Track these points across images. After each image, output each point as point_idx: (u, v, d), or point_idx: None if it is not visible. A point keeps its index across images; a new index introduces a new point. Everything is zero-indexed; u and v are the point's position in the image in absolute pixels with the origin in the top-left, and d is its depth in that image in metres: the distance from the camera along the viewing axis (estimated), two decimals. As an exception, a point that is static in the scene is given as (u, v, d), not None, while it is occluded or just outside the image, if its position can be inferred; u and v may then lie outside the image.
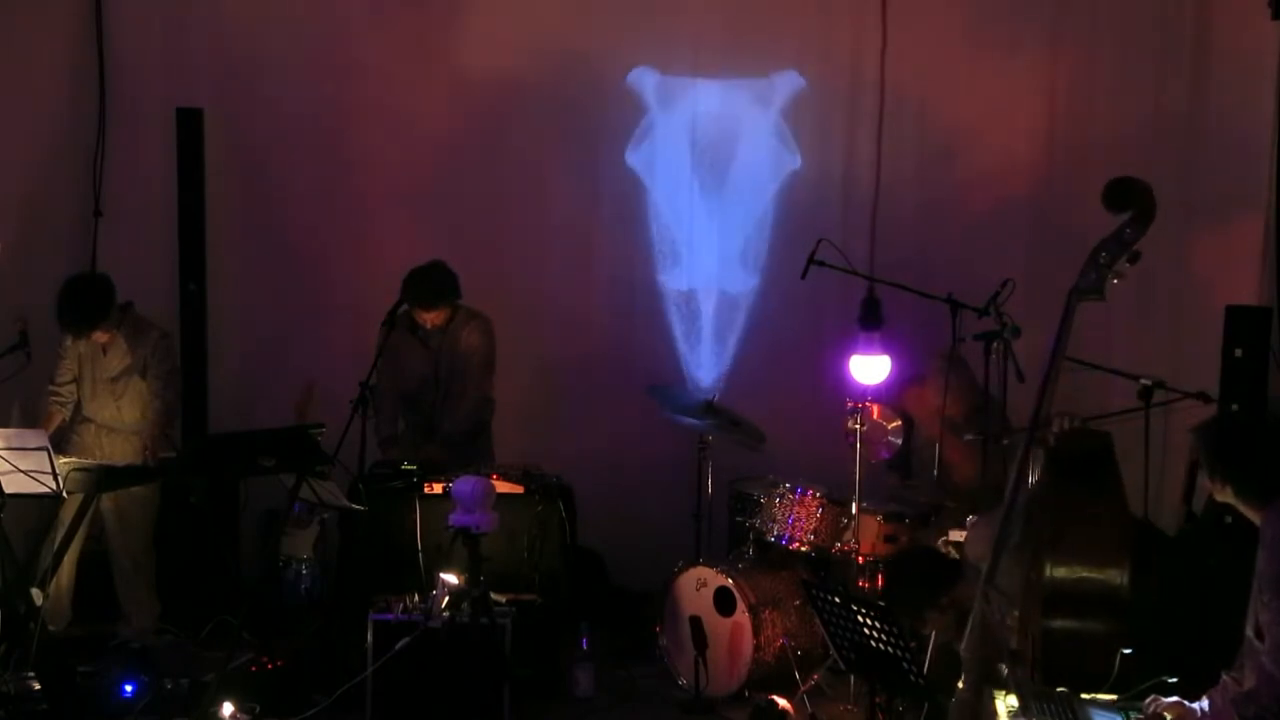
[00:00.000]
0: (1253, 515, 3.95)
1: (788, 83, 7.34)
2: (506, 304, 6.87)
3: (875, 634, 4.42)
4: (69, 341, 6.25)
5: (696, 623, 5.94)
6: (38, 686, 5.36)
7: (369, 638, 5.43)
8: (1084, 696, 4.08)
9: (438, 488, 5.94)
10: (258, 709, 5.37)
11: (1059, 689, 4.05)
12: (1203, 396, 5.71)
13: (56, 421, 6.23)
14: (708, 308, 7.49)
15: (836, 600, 4.58)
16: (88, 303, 6.10)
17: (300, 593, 6.60)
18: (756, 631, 5.81)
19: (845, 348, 6.26)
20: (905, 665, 4.37)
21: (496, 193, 7.37)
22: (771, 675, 5.86)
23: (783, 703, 5.57)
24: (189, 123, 6.96)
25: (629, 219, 7.47)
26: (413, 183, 7.41)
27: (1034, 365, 5.21)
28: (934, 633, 4.89)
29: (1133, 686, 4.15)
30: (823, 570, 6.16)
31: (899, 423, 6.20)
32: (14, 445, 5.50)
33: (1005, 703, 4.00)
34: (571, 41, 7.30)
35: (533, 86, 7.33)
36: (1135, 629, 4.15)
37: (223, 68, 7.29)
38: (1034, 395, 4.06)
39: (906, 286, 6.12)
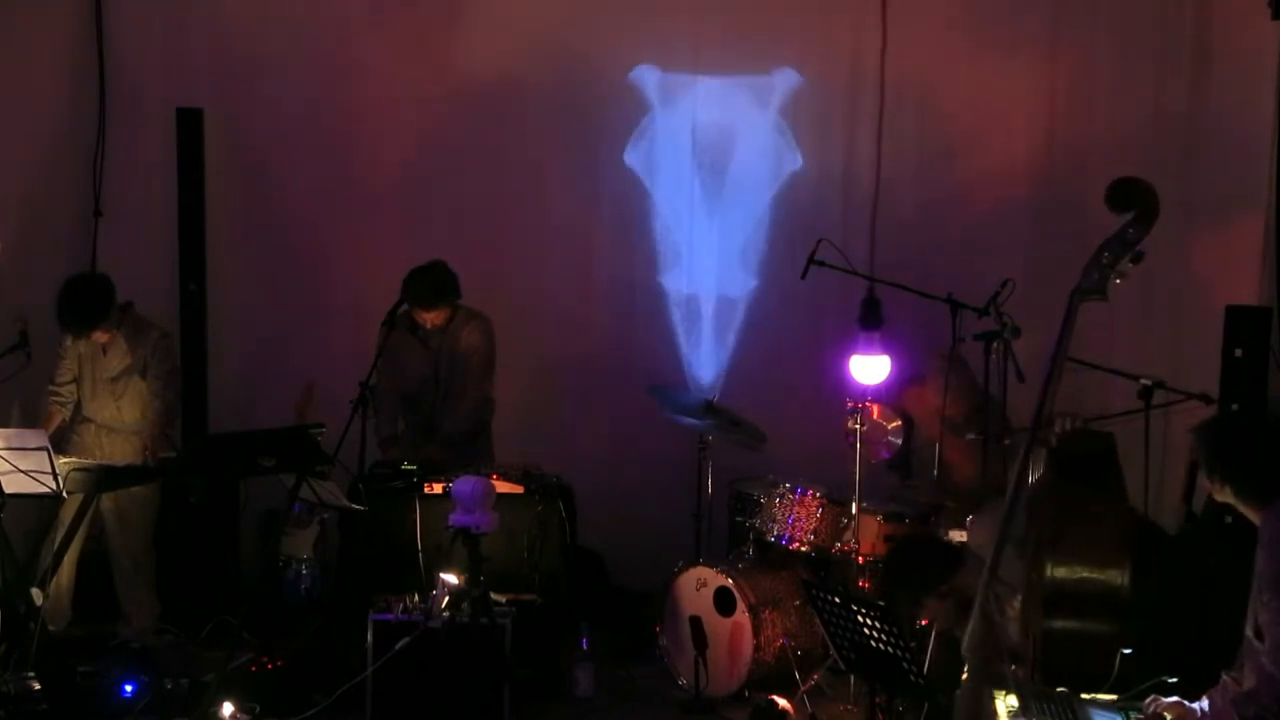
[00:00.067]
0: (1252, 515, 3.95)
1: (788, 82, 7.34)
2: (506, 304, 6.87)
3: (875, 634, 4.42)
4: (69, 341, 6.25)
5: (696, 623, 5.94)
6: (38, 686, 5.36)
7: (369, 638, 5.43)
8: (1084, 696, 4.08)
9: (438, 488, 5.94)
10: (258, 709, 5.37)
11: (1059, 689, 4.05)
12: (1204, 398, 5.70)
13: (56, 421, 6.23)
14: (708, 308, 7.49)
15: (836, 600, 4.59)
16: (88, 303, 6.10)
17: (300, 593, 6.60)
18: (756, 631, 5.81)
19: (845, 348, 6.26)
20: (905, 665, 4.37)
21: (496, 193, 7.37)
22: (771, 675, 5.86)
23: (783, 703, 5.57)
24: (189, 123, 6.96)
25: (629, 219, 7.47)
26: (413, 183, 7.41)
27: (1034, 365, 5.22)
28: (935, 632, 4.88)
29: (1133, 686, 4.15)
30: (823, 570, 6.16)
31: (899, 423, 6.21)
32: (14, 445, 5.50)
33: (1005, 703, 4.00)
34: (571, 41, 7.30)
35: (533, 86, 7.34)
36: (1135, 629, 4.15)
37: (223, 68, 7.30)
38: (1036, 395, 4.06)
39: (906, 286, 6.12)
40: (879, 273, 6.67)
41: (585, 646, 5.97)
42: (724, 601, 5.94)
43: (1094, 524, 4.20)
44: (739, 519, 6.41)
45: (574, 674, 5.95)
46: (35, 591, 5.67)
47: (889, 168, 7.21)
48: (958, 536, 5.47)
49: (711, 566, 6.04)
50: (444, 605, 5.28)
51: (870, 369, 6.12)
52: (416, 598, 5.50)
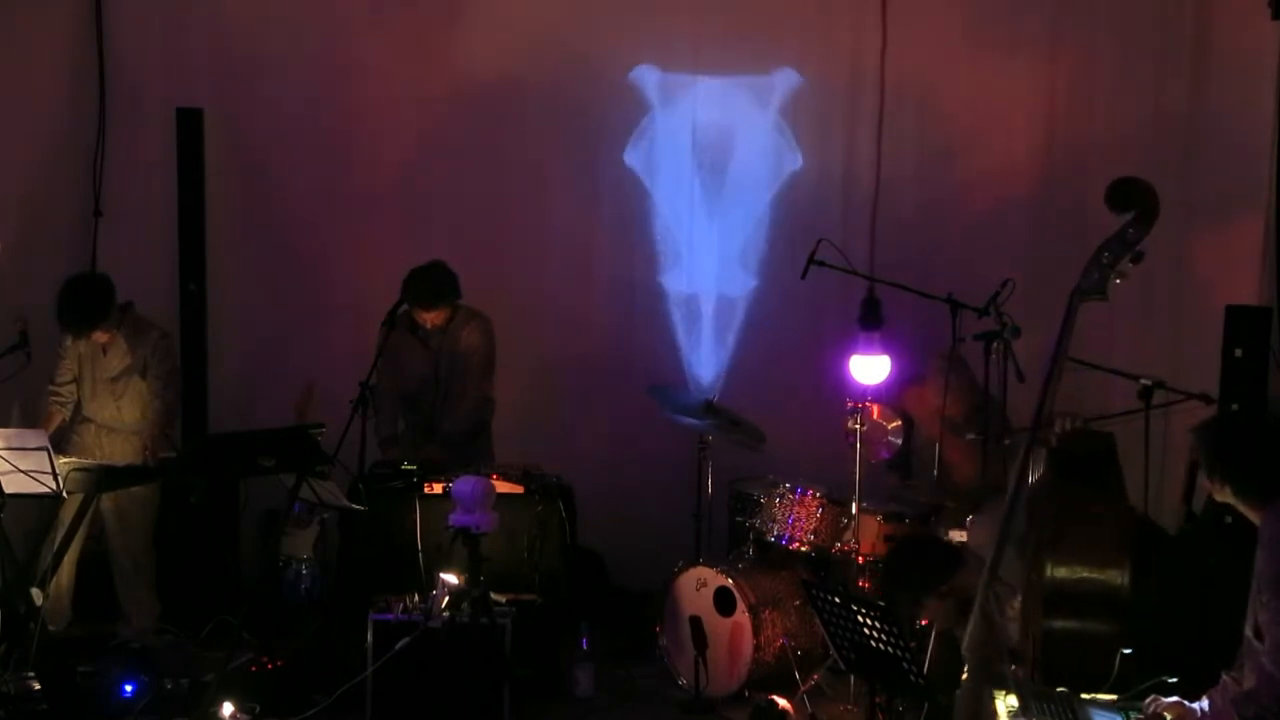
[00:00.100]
0: (1252, 515, 3.95)
1: (788, 82, 7.34)
2: (506, 304, 6.87)
3: (875, 634, 4.42)
4: (69, 341, 6.25)
5: (696, 623, 5.94)
6: (38, 686, 5.36)
7: (369, 638, 5.43)
8: (1084, 696, 4.08)
9: (438, 488, 5.94)
10: (258, 709, 5.37)
11: (1059, 689, 4.05)
12: (1205, 398, 5.71)
13: (56, 421, 6.23)
14: (708, 308, 7.49)
15: (836, 600, 4.58)
16: (88, 303, 6.10)
17: (300, 593, 6.60)
18: (756, 631, 5.81)
19: (845, 348, 6.26)
20: (905, 665, 4.37)
21: (496, 193, 7.37)
22: (771, 675, 5.86)
23: (783, 703, 5.57)
24: (189, 123, 6.96)
25: (629, 219, 7.47)
26: (413, 183, 7.41)
27: (1034, 365, 5.22)
28: (935, 632, 4.88)
29: (1133, 686, 4.15)
30: (823, 570, 6.16)
31: (899, 423, 6.21)
32: (14, 445, 5.50)
33: (1005, 703, 4.00)
34: (571, 41, 7.30)
35: (533, 86, 7.33)
36: (1135, 629, 4.15)
37: (223, 68, 7.29)
38: (1036, 395, 4.06)
39: (906, 286, 6.12)
40: (879, 273, 6.67)
41: (585, 646, 5.97)
42: (724, 601, 5.94)
43: (1094, 524, 4.20)
44: (739, 519, 6.41)
45: (574, 674, 5.95)
46: (35, 591, 5.67)
47: (889, 168, 7.21)
48: (958, 536, 5.47)
49: (711, 566, 6.04)
50: (444, 605, 5.28)
51: (870, 369, 6.12)
52: (416, 598, 5.50)
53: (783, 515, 6.08)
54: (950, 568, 4.66)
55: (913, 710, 4.99)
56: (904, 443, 6.25)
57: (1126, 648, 4.10)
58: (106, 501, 6.10)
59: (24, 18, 7.09)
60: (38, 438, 5.57)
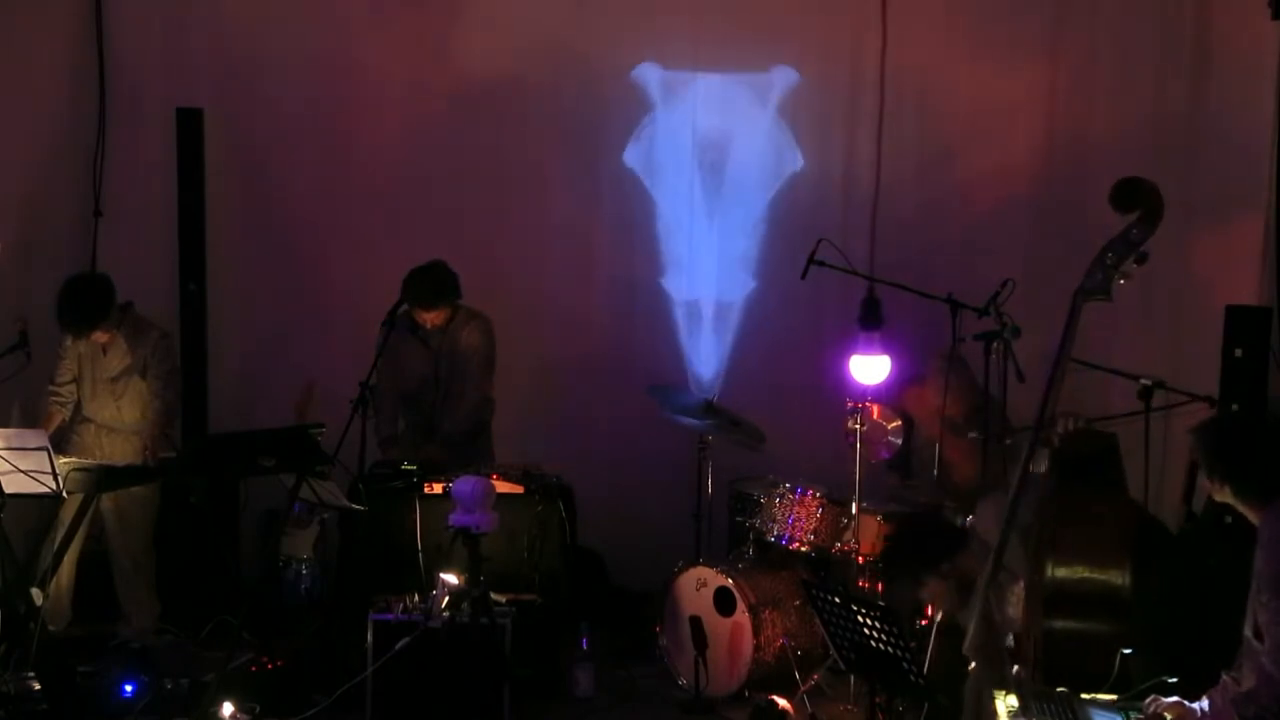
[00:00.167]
0: (1251, 515, 3.95)
1: (788, 82, 7.33)
2: (506, 304, 6.87)
3: (875, 634, 4.42)
4: (69, 341, 6.25)
5: (696, 623, 5.94)
6: (38, 686, 5.36)
7: (369, 638, 5.44)
8: (1084, 696, 4.08)
9: (438, 488, 5.94)
10: (258, 709, 5.37)
11: (1059, 689, 4.05)
12: (1208, 400, 5.71)
13: (56, 421, 6.23)
14: (708, 308, 7.49)
15: (836, 600, 4.58)
16: (88, 303, 6.10)
17: (300, 593, 6.60)
18: (756, 631, 5.82)
19: (845, 348, 6.26)
20: (905, 665, 4.37)
21: (496, 193, 7.36)
22: (771, 675, 5.86)
23: (783, 703, 5.57)
24: (189, 123, 6.96)
25: (629, 219, 7.47)
26: (413, 183, 7.40)
27: (1034, 365, 5.22)
28: (935, 632, 4.88)
29: (1133, 686, 4.15)
30: (823, 570, 6.16)
31: (899, 423, 6.20)
32: (14, 445, 5.50)
33: (1005, 703, 4.00)
34: (571, 41, 7.29)
35: (533, 86, 7.33)
36: (1135, 629, 4.15)
37: (223, 68, 7.29)
38: (1037, 395, 4.06)
39: (906, 286, 6.11)
40: (879, 273, 6.67)
41: (585, 646, 5.97)
42: (724, 601, 5.94)
43: (1095, 524, 4.20)
44: (739, 519, 6.41)
45: (574, 674, 5.95)
46: (35, 591, 5.67)
47: (889, 168, 7.21)
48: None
49: (711, 566, 6.04)
50: (444, 605, 5.28)
51: (870, 369, 6.12)
52: (416, 598, 5.50)
53: (783, 515, 6.08)
54: (953, 546, 4.62)
55: (913, 710, 5.00)
56: (904, 443, 6.24)
57: (1126, 648, 4.10)
58: (106, 501, 6.10)
59: (24, 18, 7.09)
60: (38, 438, 5.57)
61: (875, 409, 6.15)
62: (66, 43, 7.25)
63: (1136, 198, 3.96)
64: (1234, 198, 6.73)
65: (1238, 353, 5.84)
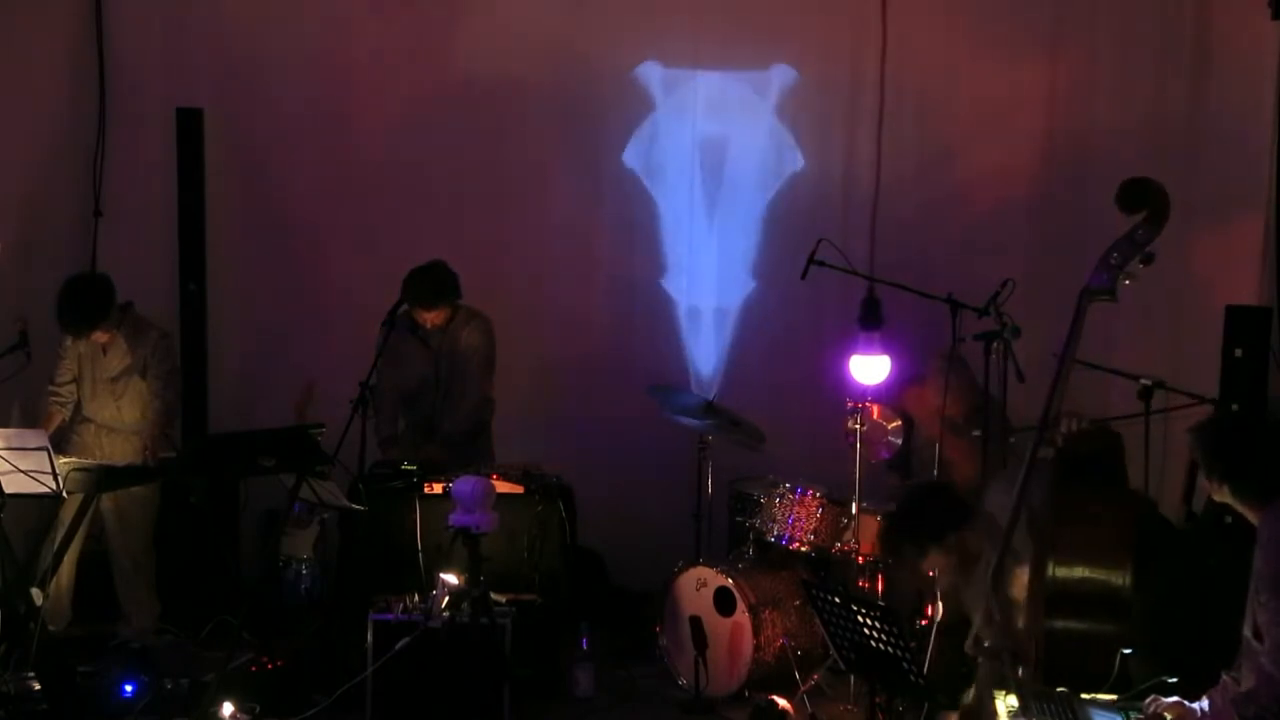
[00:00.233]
0: (1251, 515, 3.95)
1: (788, 83, 7.33)
2: (506, 304, 6.88)
3: (875, 634, 4.42)
4: (69, 341, 6.25)
5: (696, 623, 5.94)
6: (38, 686, 5.36)
7: (369, 638, 5.43)
8: (1084, 696, 4.08)
9: (438, 488, 5.94)
10: (258, 709, 5.37)
11: (1059, 689, 4.05)
12: (1211, 402, 5.70)
13: (56, 421, 6.23)
14: (708, 308, 7.49)
15: (836, 600, 4.58)
16: (88, 303, 6.10)
17: (300, 593, 6.60)
18: (756, 631, 5.81)
19: (845, 348, 6.25)
20: (905, 665, 4.37)
21: (497, 193, 7.36)
22: (771, 675, 5.86)
23: (783, 703, 5.57)
24: (189, 123, 6.97)
25: (629, 219, 7.47)
26: (413, 182, 7.40)
27: (1034, 365, 5.22)
28: (935, 632, 4.88)
29: (1133, 686, 4.15)
30: (823, 570, 6.16)
31: (899, 423, 6.20)
32: (14, 445, 5.50)
33: (1005, 703, 4.00)
34: (572, 41, 7.30)
35: (533, 86, 7.34)
36: (1135, 629, 4.15)
37: (223, 68, 7.30)
38: (1043, 395, 4.05)
39: (906, 286, 6.11)
40: (879, 273, 6.67)
41: (585, 646, 5.97)
42: (724, 601, 5.94)
43: (1095, 524, 4.20)
44: (739, 519, 6.41)
45: (574, 674, 5.95)
46: (35, 591, 5.67)
47: (889, 168, 7.21)
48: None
49: (711, 566, 6.04)
50: (444, 605, 5.27)
51: (870, 369, 6.11)
52: (416, 598, 5.50)
53: (783, 515, 6.08)
54: (960, 518, 4.53)
55: (913, 710, 4.99)
56: (904, 443, 6.24)
57: (1126, 648, 4.10)
58: (106, 501, 6.10)
59: (24, 18, 7.09)
60: (38, 438, 5.57)
61: (875, 409, 6.15)
62: (66, 43, 7.25)
63: (1143, 198, 3.94)
64: (1234, 198, 6.74)
65: (1238, 353, 5.85)
